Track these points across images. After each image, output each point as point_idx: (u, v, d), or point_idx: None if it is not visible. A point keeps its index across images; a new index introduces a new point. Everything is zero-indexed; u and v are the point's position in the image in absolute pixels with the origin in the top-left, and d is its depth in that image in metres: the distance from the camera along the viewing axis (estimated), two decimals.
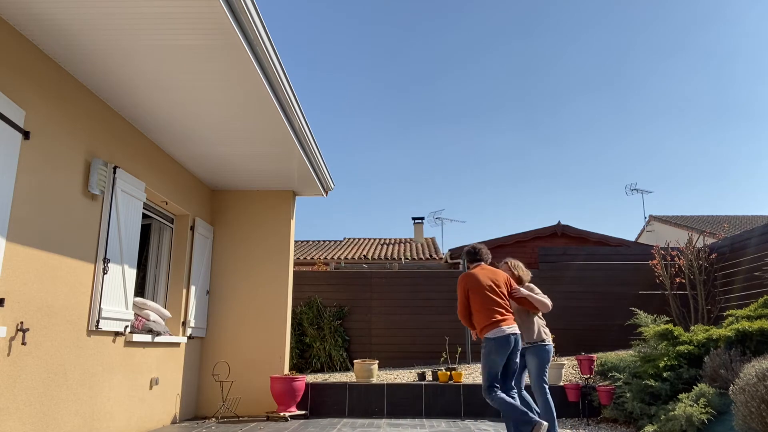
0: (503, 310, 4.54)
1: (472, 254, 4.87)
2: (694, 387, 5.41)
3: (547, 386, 4.83)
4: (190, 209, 7.01)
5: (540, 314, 5.00)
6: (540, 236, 13.39)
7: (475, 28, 36.77)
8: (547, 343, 4.88)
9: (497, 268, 5.01)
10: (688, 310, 9.24)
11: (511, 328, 4.49)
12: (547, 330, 4.99)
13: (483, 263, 4.84)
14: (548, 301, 4.83)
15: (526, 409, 4.30)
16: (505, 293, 4.68)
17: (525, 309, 4.94)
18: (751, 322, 5.79)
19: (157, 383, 6.01)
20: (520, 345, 4.61)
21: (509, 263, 5.14)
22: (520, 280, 5.04)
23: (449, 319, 9.49)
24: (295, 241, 20.02)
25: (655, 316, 8.27)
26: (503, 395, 4.39)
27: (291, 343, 9.23)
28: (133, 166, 5.61)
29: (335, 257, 17.76)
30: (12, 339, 3.82)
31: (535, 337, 4.86)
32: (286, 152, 6.36)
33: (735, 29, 35.99)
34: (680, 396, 5.42)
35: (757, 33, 36.11)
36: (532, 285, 5.01)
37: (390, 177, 45.26)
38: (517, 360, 4.57)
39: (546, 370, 4.85)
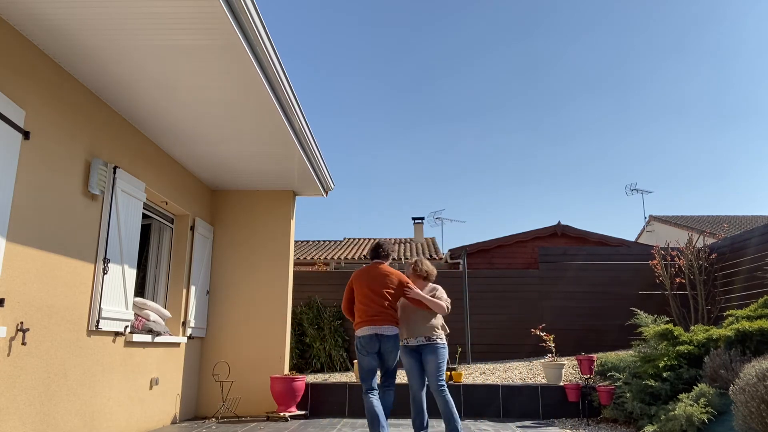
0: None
1: (374, 250, 4.99)
2: (694, 387, 5.41)
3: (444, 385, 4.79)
4: (190, 209, 7.01)
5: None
6: (540, 236, 13.39)
7: (475, 28, 36.79)
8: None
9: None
10: (688, 310, 9.24)
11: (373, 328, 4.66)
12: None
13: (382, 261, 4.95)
14: (444, 303, 4.84)
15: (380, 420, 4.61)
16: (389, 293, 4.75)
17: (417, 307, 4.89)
18: (751, 322, 5.79)
19: (157, 383, 6.01)
20: (390, 343, 4.70)
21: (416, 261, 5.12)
22: (428, 276, 5.03)
23: (449, 319, 9.48)
24: (295, 241, 20.01)
25: (655, 316, 8.26)
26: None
27: (291, 343, 9.23)
28: (133, 166, 5.61)
29: (335, 257, 17.75)
30: (12, 339, 3.82)
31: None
32: (286, 152, 6.36)
33: (735, 29, 36.01)
34: (680, 396, 5.42)
35: (757, 33, 36.13)
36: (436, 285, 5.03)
37: (390, 177, 45.28)
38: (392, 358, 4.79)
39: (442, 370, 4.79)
